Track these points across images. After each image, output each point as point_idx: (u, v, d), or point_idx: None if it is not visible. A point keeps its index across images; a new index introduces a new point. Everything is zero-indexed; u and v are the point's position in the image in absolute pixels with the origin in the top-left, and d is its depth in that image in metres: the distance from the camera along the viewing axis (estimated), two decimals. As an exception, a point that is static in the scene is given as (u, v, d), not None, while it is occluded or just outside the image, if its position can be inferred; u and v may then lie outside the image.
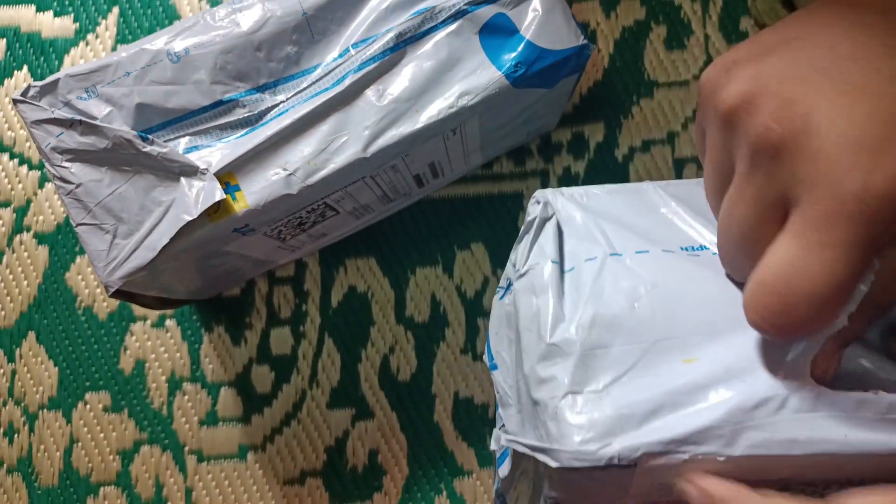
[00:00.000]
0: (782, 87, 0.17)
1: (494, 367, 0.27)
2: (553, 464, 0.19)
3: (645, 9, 0.40)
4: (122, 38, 0.41)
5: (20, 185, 0.40)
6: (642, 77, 0.39)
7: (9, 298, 0.40)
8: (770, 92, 0.17)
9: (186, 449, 0.39)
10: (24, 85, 0.29)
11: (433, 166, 0.34)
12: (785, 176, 0.17)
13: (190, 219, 0.27)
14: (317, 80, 0.29)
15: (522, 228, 0.26)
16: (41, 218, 0.40)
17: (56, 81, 0.28)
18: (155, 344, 0.39)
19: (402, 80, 0.29)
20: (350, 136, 0.28)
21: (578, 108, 0.39)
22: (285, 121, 0.28)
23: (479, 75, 0.29)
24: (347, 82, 0.28)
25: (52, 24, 0.41)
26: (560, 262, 0.23)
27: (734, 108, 0.18)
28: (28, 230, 0.40)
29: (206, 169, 0.27)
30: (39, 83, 0.28)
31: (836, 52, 0.17)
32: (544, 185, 0.39)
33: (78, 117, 0.27)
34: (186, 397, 0.39)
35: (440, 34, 0.29)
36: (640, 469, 0.19)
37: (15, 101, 0.28)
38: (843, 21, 0.18)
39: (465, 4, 0.29)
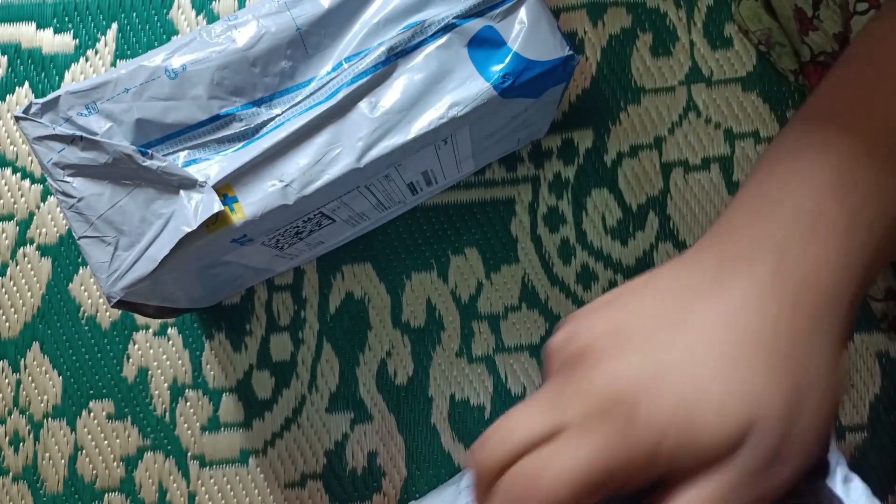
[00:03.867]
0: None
1: None
2: None
3: (631, 16, 0.41)
4: (121, 54, 0.42)
5: (23, 199, 0.41)
6: (629, 83, 0.40)
7: (13, 310, 0.41)
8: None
9: (189, 454, 0.39)
10: (26, 102, 0.30)
11: (426, 175, 0.35)
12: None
13: (189, 230, 0.27)
14: (311, 94, 0.29)
15: None
16: (44, 231, 0.41)
17: (57, 98, 0.28)
18: (157, 352, 0.40)
19: (393, 92, 0.29)
20: (344, 148, 0.29)
21: (568, 115, 0.40)
22: (281, 133, 0.29)
23: (469, 87, 0.29)
24: (341, 95, 0.29)
25: (52, 41, 0.42)
26: None
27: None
28: (31, 243, 0.41)
29: (205, 182, 0.28)
30: (41, 100, 0.28)
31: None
32: (535, 191, 0.40)
33: (79, 133, 0.28)
34: (188, 404, 0.40)
35: (430, 47, 0.30)
36: None
37: (17, 119, 0.29)
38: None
39: (453, 18, 0.30)
